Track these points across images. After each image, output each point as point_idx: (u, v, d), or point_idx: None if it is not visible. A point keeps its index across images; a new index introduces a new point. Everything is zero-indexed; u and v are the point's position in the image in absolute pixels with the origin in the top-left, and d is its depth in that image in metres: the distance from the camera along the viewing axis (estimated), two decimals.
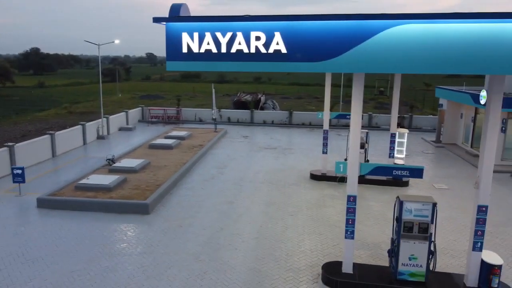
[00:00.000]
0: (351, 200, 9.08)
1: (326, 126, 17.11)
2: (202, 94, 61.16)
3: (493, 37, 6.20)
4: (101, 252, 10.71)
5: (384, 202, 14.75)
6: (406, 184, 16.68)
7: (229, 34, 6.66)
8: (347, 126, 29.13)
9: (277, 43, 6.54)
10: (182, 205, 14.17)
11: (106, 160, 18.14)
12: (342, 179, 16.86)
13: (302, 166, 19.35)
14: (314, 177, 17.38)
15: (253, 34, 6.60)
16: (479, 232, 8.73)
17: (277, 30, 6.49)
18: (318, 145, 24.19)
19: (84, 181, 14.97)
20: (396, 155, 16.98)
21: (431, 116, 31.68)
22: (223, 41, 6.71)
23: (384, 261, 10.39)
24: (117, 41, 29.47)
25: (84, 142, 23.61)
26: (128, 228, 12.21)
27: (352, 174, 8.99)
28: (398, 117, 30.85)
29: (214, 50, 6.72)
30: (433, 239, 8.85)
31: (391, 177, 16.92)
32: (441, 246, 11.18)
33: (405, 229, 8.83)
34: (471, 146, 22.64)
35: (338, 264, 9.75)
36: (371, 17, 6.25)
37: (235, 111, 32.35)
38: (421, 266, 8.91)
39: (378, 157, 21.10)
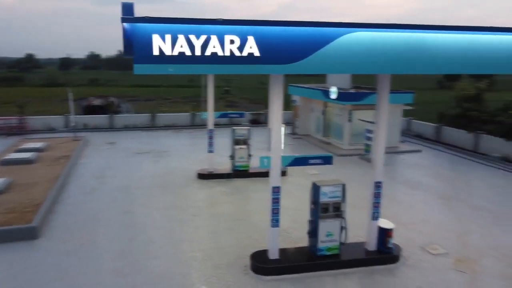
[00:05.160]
0: (276, 191, 9.81)
1: (211, 125, 17.58)
2: (35, 100, 54.07)
3: (420, 44, 7.74)
4: None
5: None
6: (284, 173, 18.34)
7: (203, 37, 6.63)
8: (217, 125, 29.87)
9: (251, 47, 6.83)
10: (73, 222, 12.82)
11: None
12: (230, 175, 17.62)
13: (184, 167, 19.35)
14: (202, 176, 17.67)
15: (228, 38, 6.74)
16: (376, 204, 10.55)
17: (251, 34, 6.78)
18: (190, 145, 24.47)
19: None
20: None
21: (285, 111, 34.93)
22: (197, 43, 6.65)
23: (295, 243, 11.47)
24: None
25: None
26: (19, 258, 10.52)
27: (275, 167, 9.72)
28: (255, 113, 33.47)
29: (188, 53, 6.60)
30: (343, 216, 10.28)
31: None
32: None
33: (322, 210, 10.04)
34: (323, 136, 26.07)
35: (263, 252, 10.43)
36: (329, 25, 7.13)
37: (92, 116, 29.91)
38: (336, 240, 10.27)
39: (258, 151, 22.48)
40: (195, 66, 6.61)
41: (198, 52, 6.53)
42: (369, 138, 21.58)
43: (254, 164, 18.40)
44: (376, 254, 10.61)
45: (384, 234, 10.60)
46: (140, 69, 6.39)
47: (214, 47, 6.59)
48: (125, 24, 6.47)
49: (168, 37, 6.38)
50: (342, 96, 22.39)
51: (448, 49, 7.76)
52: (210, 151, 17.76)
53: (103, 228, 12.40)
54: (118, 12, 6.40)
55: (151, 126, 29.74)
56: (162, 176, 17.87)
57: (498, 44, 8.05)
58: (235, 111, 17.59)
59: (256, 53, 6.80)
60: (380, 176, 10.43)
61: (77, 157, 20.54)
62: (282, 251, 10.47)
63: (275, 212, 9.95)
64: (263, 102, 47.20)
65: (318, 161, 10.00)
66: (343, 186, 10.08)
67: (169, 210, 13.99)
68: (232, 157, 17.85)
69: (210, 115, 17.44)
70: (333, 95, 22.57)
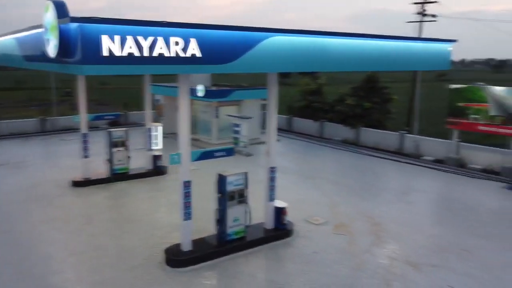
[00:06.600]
0: (186, 185, 10.32)
1: (84, 129, 16.63)
2: None
3: (323, 47, 9.23)
4: None
5: (164, 190, 16.22)
6: (165, 172, 18.54)
7: (150, 39, 6.81)
8: (71, 129, 27.38)
9: (193, 48, 7.27)
10: None
11: None
12: (110, 179, 17.02)
13: (52, 177, 17.73)
14: (78, 184, 16.61)
15: (172, 40, 7.06)
16: (271, 187, 11.97)
17: (193, 36, 7.21)
18: (49, 153, 22.53)
19: None
20: (153, 147, 18.52)
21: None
22: (145, 44, 6.80)
23: (201, 233, 12.07)
24: None
25: None
26: None
27: (185, 162, 10.22)
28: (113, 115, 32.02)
29: (137, 54, 6.69)
30: (247, 201, 11.37)
31: (152, 168, 18.50)
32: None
33: (229, 199, 10.95)
34: (191, 133, 26.74)
35: (176, 246, 10.82)
36: (256, 29, 8.12)
37: None
38: (241, 224, 11.33)
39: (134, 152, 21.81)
40: (143, 66, 6.79)
41: (146, 53, 6.76)
42: (236, 132, 23.32)
43: (133, 166, 18.16)
44: (274, 232, 12.05)
45: (280, 212, 12.12)
46: (90, 70, 6.26)
47: (161, 48, 6.90)
48: (61, 25, 6.22)
49: (117, 38, 6.41)
50: (209, 93, 23.50)
51: (342, 51, 9.63)
52: (86, 156, 16.80)
53: None
54: None
55: None
56: (31, 189, 16.16)
57: (379, 47, 10.38)
58: (109, 113, 16.94)
59: (198, 54, 7.35)
60: (274, 162, 11.87)
61: None
62: (194, 242, 11.02)
63: (187, 205, 10.45)
64: (110, 104, 45.20)
65: (222, 153, 10.88)
66: (245, 174, 11.18)
67: (55, 222, 12.99)
68: (109, 160, 17.24)
69: (83, 118, 16.50)
70: (200, 93, 23.50)
